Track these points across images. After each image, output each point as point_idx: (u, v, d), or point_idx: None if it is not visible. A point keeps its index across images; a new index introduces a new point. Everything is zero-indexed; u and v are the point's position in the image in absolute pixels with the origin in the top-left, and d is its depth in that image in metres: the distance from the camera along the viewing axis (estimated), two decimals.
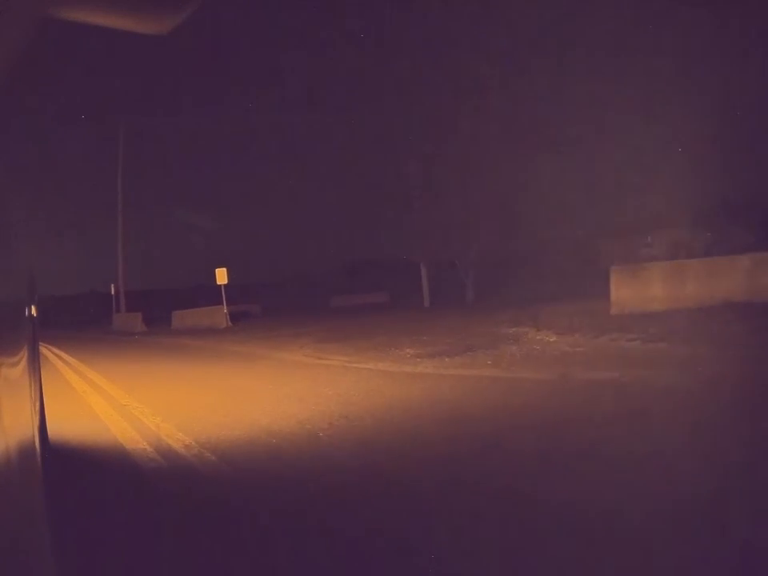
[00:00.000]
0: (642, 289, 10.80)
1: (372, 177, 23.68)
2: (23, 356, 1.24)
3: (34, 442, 1.30)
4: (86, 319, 31.57)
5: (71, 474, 3.63)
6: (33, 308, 2.48)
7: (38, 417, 2.21)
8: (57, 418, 4.74)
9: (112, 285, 30.10)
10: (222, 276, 20.37)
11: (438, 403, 5.68)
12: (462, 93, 20.21)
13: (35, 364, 2.35)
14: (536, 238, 23.83)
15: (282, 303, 31.78)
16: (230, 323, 20.45)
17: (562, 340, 9.15)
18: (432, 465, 3.71)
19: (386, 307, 25.03)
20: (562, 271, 20.25)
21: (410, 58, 20.20)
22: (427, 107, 20.82)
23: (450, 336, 10.57)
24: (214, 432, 4.90)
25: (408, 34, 19.92)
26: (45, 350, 14.06)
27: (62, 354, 14.18)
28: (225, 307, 20.67)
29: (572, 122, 16.72)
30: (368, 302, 30.22)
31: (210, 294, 22.42)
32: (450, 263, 24.44)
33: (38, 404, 2.41)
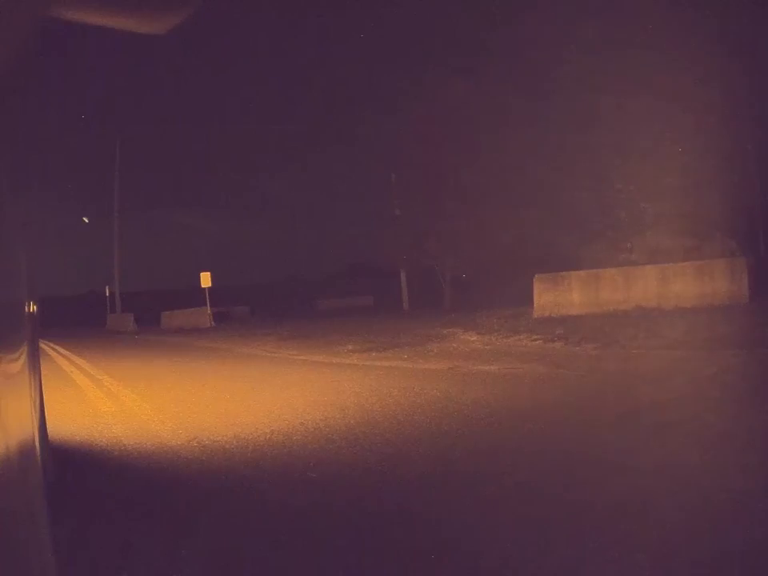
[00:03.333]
0: (562, 295, 12.18)
1: (365, 185, 24.84)
2: (23, 353, 1.24)
3: (33, 439, 1.30)
4: (82, 319, 32.98)
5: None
6: (33, 306, 2.52)
7: (38, 413, 2.31)
8: (47, 381, 6.63)
9: (107, 286, 31.81)
10: (206, 279, 21.85)
11: (328, 382, 7.08)
12: (442, 104, 21.08)
13: (35, 361, 2.45)
14: (522, 242, 24.67)
15: (272, 305, 33.07)
16: (212, 323, 21.93)
17: (479, 339, 10.51)
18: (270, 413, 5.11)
19: (367, 310, 26.38)
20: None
21: (395, 68, 20.91)
22: (409, 118, 21.78)
23: (391, 335, 11.95)
24: (152, 390, 7.07)
25: (396, 43, 20.52)
26: (42, 344, 15.94)
27: (57, 347, 15.69)
28: (209, 308, 22.16)
29: (559, 124, 17.10)
30: (353, 304, 31.43)
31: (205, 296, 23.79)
32: (430, 269, 25.62)
33: (38, 401, 2.54)
